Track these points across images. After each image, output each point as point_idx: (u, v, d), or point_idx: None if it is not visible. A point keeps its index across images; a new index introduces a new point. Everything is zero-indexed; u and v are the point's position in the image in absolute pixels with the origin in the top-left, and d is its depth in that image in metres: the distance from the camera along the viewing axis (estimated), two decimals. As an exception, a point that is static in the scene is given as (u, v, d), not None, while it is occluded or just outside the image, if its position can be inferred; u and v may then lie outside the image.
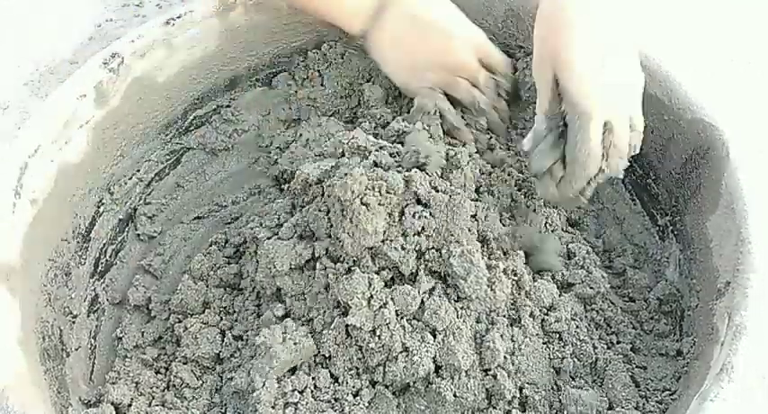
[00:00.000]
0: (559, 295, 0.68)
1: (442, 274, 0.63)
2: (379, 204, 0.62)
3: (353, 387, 0.62)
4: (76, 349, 0.67)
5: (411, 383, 0.62)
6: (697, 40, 0.71)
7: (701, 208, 0.68)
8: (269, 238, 0.67)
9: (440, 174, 0.66)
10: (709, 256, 0.65)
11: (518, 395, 0.62)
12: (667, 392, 0.63)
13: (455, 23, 0.77)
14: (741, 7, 0.74)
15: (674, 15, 0.72)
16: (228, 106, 0.83)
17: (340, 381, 0.63)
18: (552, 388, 0.64)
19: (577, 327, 0.67)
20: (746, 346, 0.55)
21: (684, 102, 0.69)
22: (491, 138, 0.78)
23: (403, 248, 0.62)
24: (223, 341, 0.68)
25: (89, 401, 0.64)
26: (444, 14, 0.77)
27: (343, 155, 0.69)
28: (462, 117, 0.77)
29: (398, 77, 0.81)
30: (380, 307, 0.61)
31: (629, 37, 0.64)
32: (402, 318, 0.62)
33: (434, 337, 0.61)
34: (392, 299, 0.61)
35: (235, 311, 0.70)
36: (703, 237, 0.67)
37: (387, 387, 0.62)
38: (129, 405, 0.64)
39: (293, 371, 0.63)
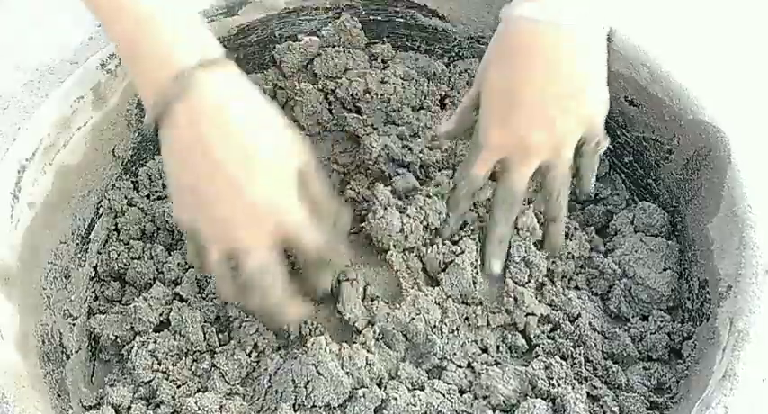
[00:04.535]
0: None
1: None
2: None
3: None
4: (77, 351, 0.67)
5: None
6: (698, 40, 0.70)
7: (703, 210, 0.67)
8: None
9: None
10: (711, 259, 0.65)
11: None
12: (667, 395, 0.63)
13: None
14: (742, 7, 0.73)
15: (675, 15, 0.72)
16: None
17: None
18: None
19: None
20: (749, 352, 0.55)
21: (686, 102, 0.69)
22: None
23: None
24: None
25: (89, 404, 0.64)
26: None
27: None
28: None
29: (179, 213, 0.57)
30: None
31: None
32: None
33: None
34: None
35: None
36: (704, 239, 0.66)
37: None
38: (129, 408, 0.63)
39: None
